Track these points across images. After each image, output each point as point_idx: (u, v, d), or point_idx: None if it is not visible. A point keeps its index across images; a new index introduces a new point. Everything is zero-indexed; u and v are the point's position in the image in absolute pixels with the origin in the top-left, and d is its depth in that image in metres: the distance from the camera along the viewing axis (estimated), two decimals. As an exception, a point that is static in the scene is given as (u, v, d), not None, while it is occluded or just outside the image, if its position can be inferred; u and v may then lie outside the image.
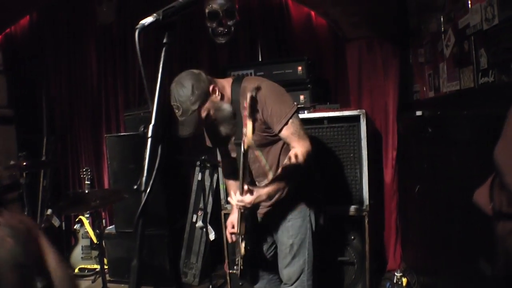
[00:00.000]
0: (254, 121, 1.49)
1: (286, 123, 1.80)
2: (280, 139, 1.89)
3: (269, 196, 1.79)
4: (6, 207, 3.70)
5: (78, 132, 4.34)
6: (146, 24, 1.33)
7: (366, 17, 3.23)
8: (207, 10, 3.44)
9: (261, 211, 2.06)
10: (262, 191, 1.75)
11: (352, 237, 2.86)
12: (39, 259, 1.40)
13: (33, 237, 1.37)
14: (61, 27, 4.28)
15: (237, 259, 2.08)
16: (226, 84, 1.92)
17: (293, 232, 1.99)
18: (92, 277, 3.83)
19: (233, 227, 2.15)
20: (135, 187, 1.31)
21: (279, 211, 2.02)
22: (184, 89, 1.76)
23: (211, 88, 1.80)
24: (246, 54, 3.75)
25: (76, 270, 3.91)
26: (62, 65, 4.33)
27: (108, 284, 2.98)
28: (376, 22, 3.24)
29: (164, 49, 1.40)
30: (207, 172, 3.40)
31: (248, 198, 1.71)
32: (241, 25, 3.58)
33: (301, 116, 2.76)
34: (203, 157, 3.02)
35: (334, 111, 2.88)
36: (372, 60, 3.29)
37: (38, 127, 4.22)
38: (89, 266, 3.92)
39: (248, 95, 1.47)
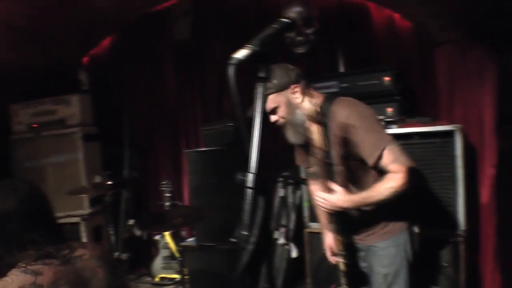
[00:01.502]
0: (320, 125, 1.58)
1: (381, 155, 1.67)
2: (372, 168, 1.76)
3: (352, 204, 1.71)
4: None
5: (158, 146, 4.49)
6: (242, 57, 1.24)
7: (457, 17, 2.91)
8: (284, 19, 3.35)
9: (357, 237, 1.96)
10: (346, 196, 1.68)
11: (445, 264, 2.61)
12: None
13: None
14: (140, 45, 4.45)
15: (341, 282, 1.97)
16: (316, 97, 1.83)
17: (387, 262, 1.86)
18: (172, 287, 3.94)
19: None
20: (233, 240, 1.26)
21: (370, 238, 1.90)
22: None
23: (292, 86, 1.78)
24: (325, 63, 3.59)
25: (157, 279, 4.05)
26: (141, 82, 4.51)
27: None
28: (469, 22, 2.92)
29: (259, 85, 1.30)
30: (289, 188, 3.33)
31: (329, 197, 1.68)
32: (319, 33, 3.42)
33: (389, 131, 2.61)
34: (285, 173, 2.96)
35: (426, 125, 2.65)
36: (465, 66, 2.97)
37: (120, 142, 4.43)
38: (169, 276, 4.04)
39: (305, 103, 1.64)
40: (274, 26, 1.29)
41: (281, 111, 1.80)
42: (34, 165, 4.02)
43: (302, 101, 1.79)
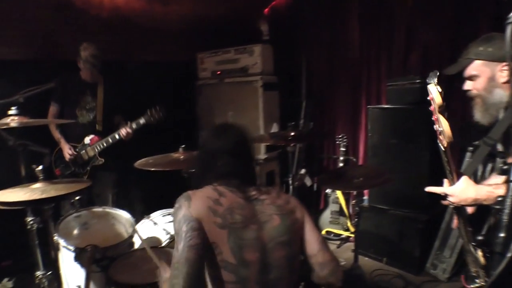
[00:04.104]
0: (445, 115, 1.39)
1: None
2: None
3: (476, 198, 1.50)
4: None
5: (336, 99, 4.39)
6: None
7: None
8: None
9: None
10: (469, 188, 1.50)
11: None
12: (300, 240, 1.47)
13: (297, 218, 1.45)
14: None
15: (475, 272, 1.74)
16: None
17: None
18: (338, 242, 3.97)
19: None
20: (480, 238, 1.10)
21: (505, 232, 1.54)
22: (487, 38, 1.63)
23: (504, 63, 1.54)
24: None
25: (323, 232, 4.11)
26: (323, 34, 4.39)
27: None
28: None
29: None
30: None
31: (449, 190, 1.53)
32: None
33: None
34: (476, 142, 2.59)
35: None
36: None
37: (298, 92, 4.48)
38: (335, 231, 4.07)
39: (431, 88, 1.37)
40: None
41: (479, 83, 1.64)
42: (216, 108, 4.37)
43: (506, 82, 1.55)
